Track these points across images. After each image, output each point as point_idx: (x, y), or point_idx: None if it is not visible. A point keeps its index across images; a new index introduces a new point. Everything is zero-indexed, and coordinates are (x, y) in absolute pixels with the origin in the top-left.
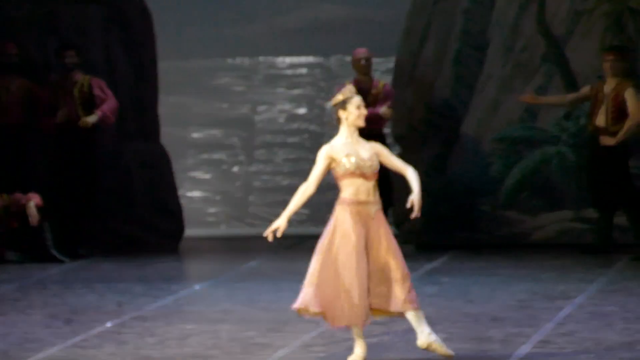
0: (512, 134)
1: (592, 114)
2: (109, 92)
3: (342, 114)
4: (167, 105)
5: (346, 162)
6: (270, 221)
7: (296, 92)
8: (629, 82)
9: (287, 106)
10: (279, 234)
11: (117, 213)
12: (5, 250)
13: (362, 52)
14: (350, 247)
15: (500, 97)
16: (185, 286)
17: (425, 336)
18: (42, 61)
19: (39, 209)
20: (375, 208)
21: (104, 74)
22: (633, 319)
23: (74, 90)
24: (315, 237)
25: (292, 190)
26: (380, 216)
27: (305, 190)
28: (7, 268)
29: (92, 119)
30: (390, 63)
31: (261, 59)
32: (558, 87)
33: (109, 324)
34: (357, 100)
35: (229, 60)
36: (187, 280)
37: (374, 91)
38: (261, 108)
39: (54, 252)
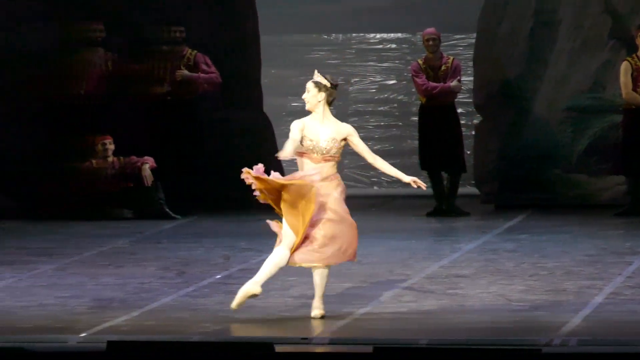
0: (581, 103)
1: (636, 87)
2: (213, 67)
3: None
4: (269, 76)
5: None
6: (362, 182)
7: (386, 65)
8: None
9: (377, 78)
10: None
11: (224, 175)
12: (121, 208)
13: (429, 32)
14: None
15: (570, 70)
16: None
17: None
18: (149, 37)
19: (153, 170)
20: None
21: (210, 48)
22: None
23: (181, 64)
24: (404, 197)
25: (382, 154)
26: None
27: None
28: (123, 224)
29: (185, 73)
30: (471, 39)
31: (354, 35)
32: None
33: (217, 276)
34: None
35: (324, 36)
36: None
37: (443, 67)
38: (354, 80)
39: (166, 210)
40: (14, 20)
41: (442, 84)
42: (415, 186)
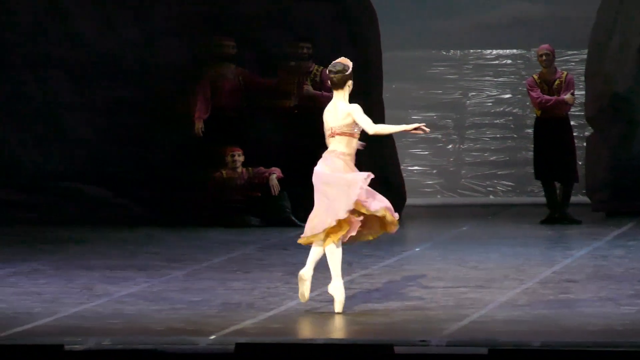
0: None
1: None
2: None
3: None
4: (390, 90)
5: None
6: (479, 191)
7: (501, 80)
8: None
9: (493, 92)
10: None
11: None
12: (249, 216)
13: (542, 48)
14: None
15: None
16: (406, 248)
17: None
18: (277, 53)
19: (279, 180)
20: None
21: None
22: None
23: (307, 79)
24: (518, 206)
25: (498, 164)
26: None
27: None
28: (251, 232)
29: (309, 90)
30: (583, 55)
31: (471, 51)
32: None
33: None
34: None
35: (443, 52)
36: (407, 243)
37: (557, 81)
38: (471, 94)
39: (292, 218)
40: (149, 37)
41: (555, 97)
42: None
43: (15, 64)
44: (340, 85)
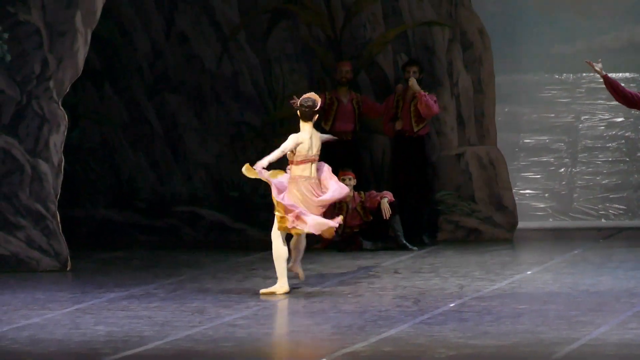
0: None
1: None
2: (435, 105)
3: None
4: (503, 114)
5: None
6: (591, 215)
7: (614, 103)
8: None
9: (606, 115)
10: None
11: (460, 207)
12: (362, 240)
13: None
14: None
15: None
16: (518, 271)
17: None
18: (394, 76)
19: (391, 204)
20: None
21: (448, 87)
22: None
23: (411, 104)
24: (631, 229)
25: (611, 188)
26: None
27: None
28: (363, 255)
29: (415, 87)
30: None
31: (584, 74)
32: None
33: (451, 304)
34: None
35: (556, 76)
36: (519, 266)
37: None
38: (584, 117)
39: (404, 242)
40: (267, 61)
41: None
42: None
43: (133, 87)
44: (310, 117)
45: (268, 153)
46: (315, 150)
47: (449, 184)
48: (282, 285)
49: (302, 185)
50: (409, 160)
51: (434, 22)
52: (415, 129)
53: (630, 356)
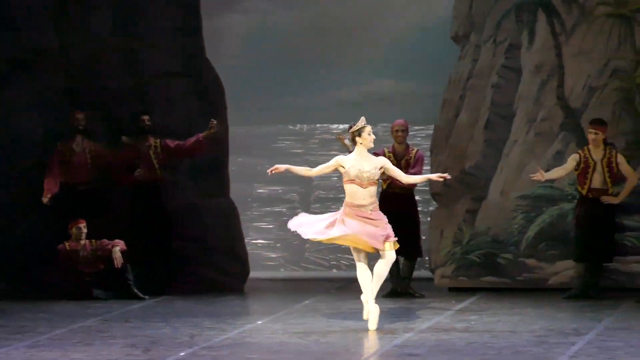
0: (533, 192)
1: (585, 179)
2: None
3: (357, 139)
4: (236, 164)
5: (350, 170)
6: (322, 265)
7: (346, 153)
8: (613, 149)
9: None
10: (274, 171)
11: (195, 257)
12: (93, 288)
13: (398, 123)
14: None
15: (524, 160)
16: (249, 321)
17: None
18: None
19: (123, 253)
20: (370, 208)
21: (184, 137)
22: (636, 353)
23: (150, 152)
24: None
25: None
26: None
27: (308, 170)
28: (94, 304)
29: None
30: (429, 130)
31: (317, 125)
32: (573, 152)
33: (182, 354)
34: (368, 128)
35: (290, 127)
36: (250, 315)
37: (407, 157)
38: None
39: (135, 290)
40: (6, 111)
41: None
42: (441, 179)
43: None
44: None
45: (10, 203)
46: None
47: (184, 234)
48: None
49: None
50: (152, 209)
51: (173, 73)
52: (160, 176)
53: None
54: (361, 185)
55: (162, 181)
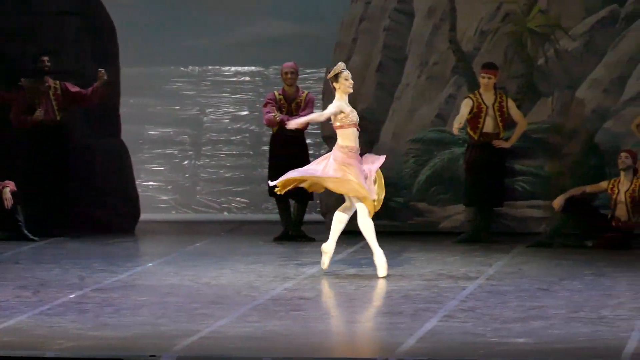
0: (425, 136)
1: (477, 123)
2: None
3: (335, 84)
4: (128, 105)
5: (351, 114)
6: (214, 208)
7: (239, 96)
8: (503, 94)
9: (231, 109)
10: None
11: (86, 199)
12: None
13: (288, 66)
14: None
15: (416, 104)
16: (140, 263)
17: None
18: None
19: (13, 194)
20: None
21: (75, 79)
22: (526, 297)
23: (49, 93)
24: (253, 223)
25: (234, 181)
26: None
27: (320, 116)
28: None
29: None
30: (322, 73)
31: (210, 67)
32: (464, 95)
33: (71, 295)
34: (345, 73)
35: (182, 68)
36: (141, 257)
37: (298, 99)
38: (208, 110)
39: (25, 232)
40: None
41: (294, 115)
42: None
43: None
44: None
45: None
46: None
47: (76, 175)
48: None
49: None
50: (48, 150)
51: (65, 11)
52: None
53: (248, 348)
54: (356, 128)
55: (61, 123)
